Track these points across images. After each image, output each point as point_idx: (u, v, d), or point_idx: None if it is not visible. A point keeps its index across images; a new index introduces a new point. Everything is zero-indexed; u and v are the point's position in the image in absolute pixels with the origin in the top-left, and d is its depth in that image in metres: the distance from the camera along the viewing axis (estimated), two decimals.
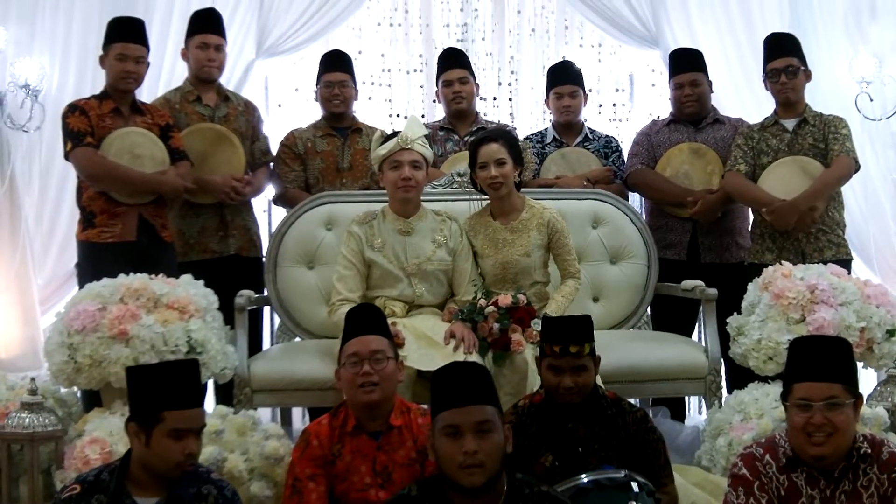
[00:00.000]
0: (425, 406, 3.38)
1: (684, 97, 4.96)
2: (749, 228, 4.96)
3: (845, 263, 4.53)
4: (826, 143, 4.57)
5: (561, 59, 5.70)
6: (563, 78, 5.16)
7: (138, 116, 4.48)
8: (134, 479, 2.80)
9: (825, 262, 4.22)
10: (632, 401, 3.64)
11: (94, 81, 4.99)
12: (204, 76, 4.80)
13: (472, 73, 5.15)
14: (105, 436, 3.44)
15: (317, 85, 5.04)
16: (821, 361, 2.74)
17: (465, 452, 2.54)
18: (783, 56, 4.63)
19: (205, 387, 4.39)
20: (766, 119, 4.74)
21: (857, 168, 4.62)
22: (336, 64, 5.00)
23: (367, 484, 3.11)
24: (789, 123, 4.66)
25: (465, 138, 5.00)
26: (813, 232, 4.51)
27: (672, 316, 4.73)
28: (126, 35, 4.43)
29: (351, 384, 3.12)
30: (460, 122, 5.10)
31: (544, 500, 2.64)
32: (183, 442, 2.75)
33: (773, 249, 4.56)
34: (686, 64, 5.02)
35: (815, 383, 2.72)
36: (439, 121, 5.22)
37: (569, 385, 3.14)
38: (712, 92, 5.09)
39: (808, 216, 4.45)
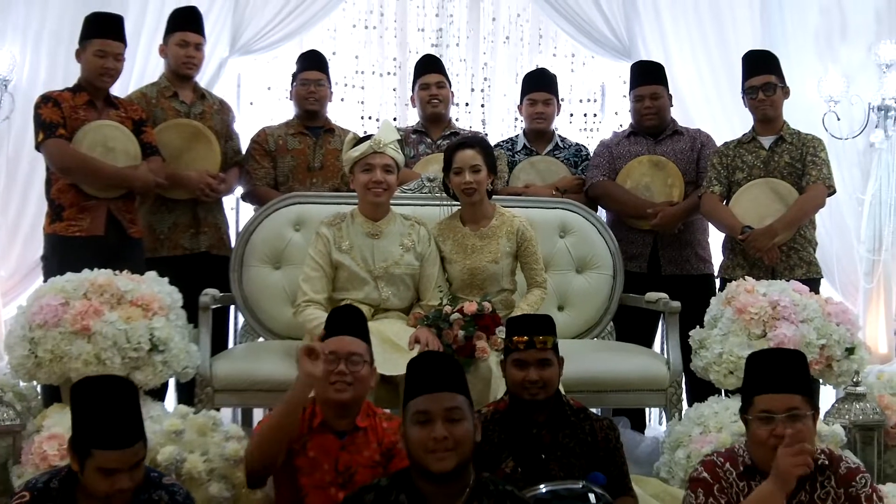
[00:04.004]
0: (388, 411, 3.39)
1: (644, 109, 4.97)
2: (709, 240, 5.00)
3: (815, 282, 4.54)
4: (803, 164, 4.58)
5: (537, 67, 5.71)
6: (539, 85, 5.16)
7: (112, 110, 4.43)
8: (83, 488, 2.63)
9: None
10: (593, 410, 3.66)
11: (65, 73, 4.96)
12: (182, 73, 4.78)
13: (448, 81, 5.18)
14: (64, 432, 3.37)
15: (292, 83, 5.05)
16: (780, 373, 2.77)
17: (435, 438, 2.54)
18: (761, 73, 4.64)
19: (166, 385, 4.39)
20: (743, 135, 4.75)
21: (832, 193, 4.65)
22: (313, 63, 5.03)
23: (327, 482, 3.10)
24: (766, 141, 4.66)
25: (438, 142, 5.02)
26: (784, 250, 4.52)
27: (633, 327, 4.75)
28: (106, 31, 4.38)
29: (324, 381, 3.12)
30: (434, 126, 5.11)
31: (507, 499, 2.64)
32: (112, 478, 2.55)
33: (745, 265, 4.56)
34: (647, 76, 5.03)
35: (776, 395, 2.75)
36: (413, 125, 5.24)
37: (534, 378, 3.16)
38: (672, 105, 5.11)
39: (773, 250, 4.45)
